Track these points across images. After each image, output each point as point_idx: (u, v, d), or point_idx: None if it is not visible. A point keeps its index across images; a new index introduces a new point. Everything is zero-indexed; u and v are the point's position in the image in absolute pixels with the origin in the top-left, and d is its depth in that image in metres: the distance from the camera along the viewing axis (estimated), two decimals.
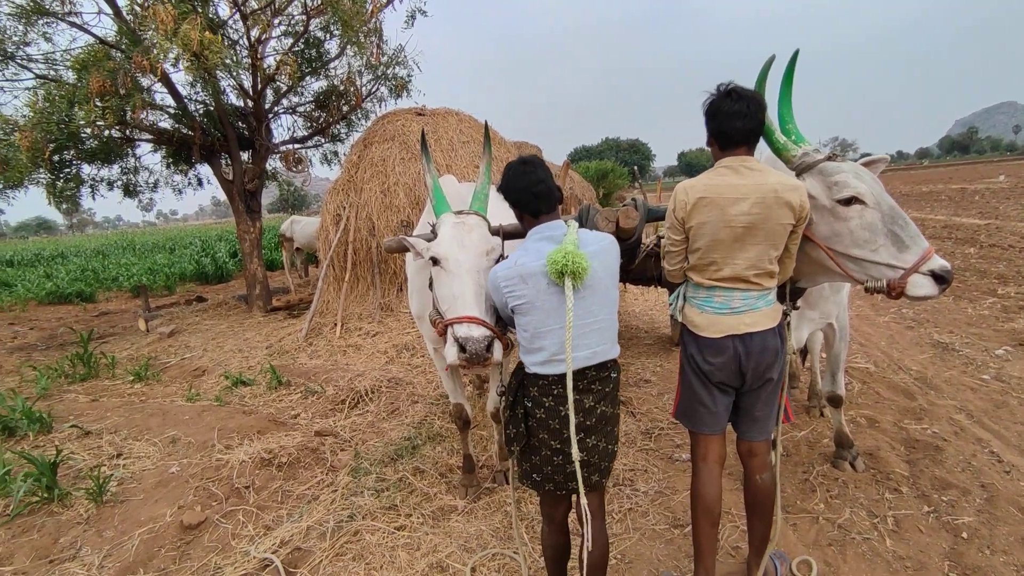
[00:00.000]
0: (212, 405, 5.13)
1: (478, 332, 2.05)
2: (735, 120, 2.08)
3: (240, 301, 9.87)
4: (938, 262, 2.05)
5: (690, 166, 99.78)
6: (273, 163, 10.10)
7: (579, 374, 1.93)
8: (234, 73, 7.28)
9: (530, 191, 2.01)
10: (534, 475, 2.05)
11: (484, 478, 3.50)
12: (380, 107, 9.56)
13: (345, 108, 9.48)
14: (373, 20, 7.88)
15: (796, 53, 2.37)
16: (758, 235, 2.06)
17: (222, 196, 9.15)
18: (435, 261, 2.27)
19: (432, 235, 2.46)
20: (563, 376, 1.89)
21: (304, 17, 8.06)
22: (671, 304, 2.40)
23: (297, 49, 8.41)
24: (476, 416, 4.31)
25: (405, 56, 9.27)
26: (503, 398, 2.14)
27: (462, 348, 2.04)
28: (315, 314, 7.25)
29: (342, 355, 6.38)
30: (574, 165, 21.06)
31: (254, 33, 8.07)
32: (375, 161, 7.63)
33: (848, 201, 2.14)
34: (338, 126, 9.86)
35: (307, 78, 9.03)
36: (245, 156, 9.24)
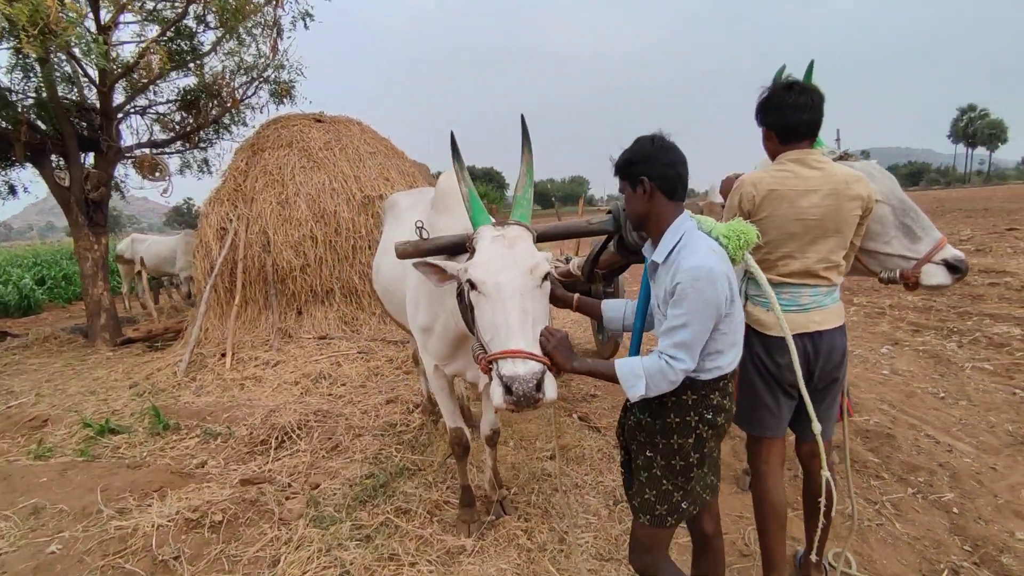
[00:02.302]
0: (77, 461, 4.01)
1: (524, 368, 1.67)
2: (801, 113, 2.05)
3: (76, 334, 8.04)
4: (951, 252, 2.15)
5: (542, 195, 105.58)
6: (125, 169, 8.54)
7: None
8: (91, 59, 5.98)
9: (676, 168, 1.75)
10: (683, 504, 1.80)
11: (479, 511, 3.10)
12: (260, 113, 8.61)
13: (217, 111, 8.36)
14: (274, 9, 7.08)
15: (812, 63, 2.44)
16: (829, 228, 2.05)
17: (2, 216, 7.45)
18: (472, 285, 1.88)
19: (470, 250, 2.05)
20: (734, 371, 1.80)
21: (181, 1, 6.98)
22: None
23: (165, 38, 7.24)
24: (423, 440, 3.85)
25: (287, 58, 8.49)
26: (684, 421, 1.75)
27: (508, 389, 1.66)
28: (195, 344, 6.12)
29: (239, 390, 5.42)
30: None
31: (105, 15, 6.82)
32: (270, 169, 6.77)
33: None
34: (207, 130, 8.64)
35: (173, 72, 7.79)
36: (87, 159, 7.67)
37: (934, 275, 2.15)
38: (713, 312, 1.63)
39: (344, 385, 5.34)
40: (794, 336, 2.05)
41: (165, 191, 8.20)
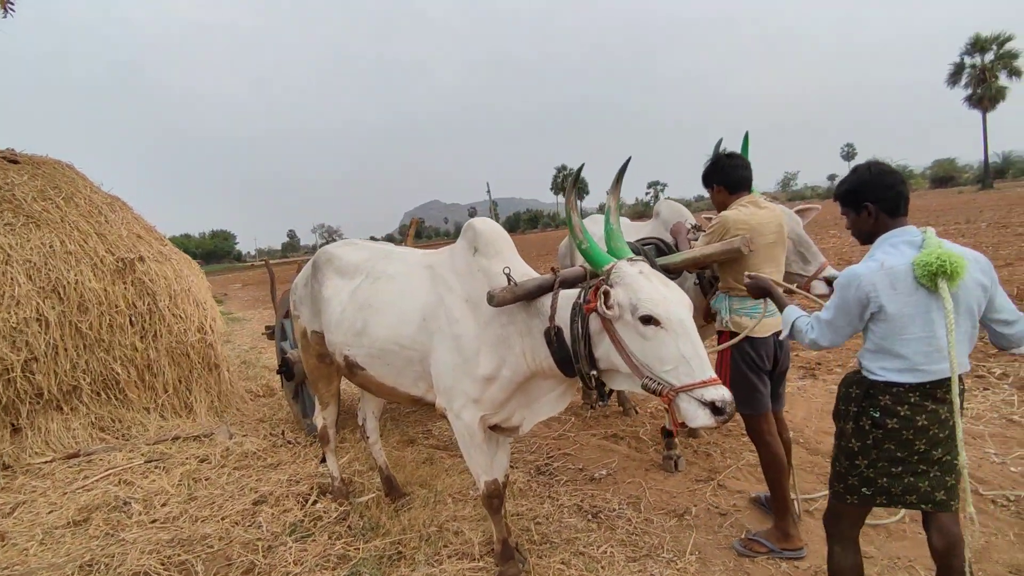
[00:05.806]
0: None
1: (727, 392, 1.95)
2: (741, 171, 2.88)
3: None
4: (830, 271, 3.12)
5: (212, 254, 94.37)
6: None
7: (943, 383, 1.90)
8: None
9: (896, 189, 1.98)
10: (863, 489, 2.01)
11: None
12: None
13: None
14: None
15: (747, 134, 3.21)
16: (777, 252, 2.85)
17: None
18: (646, 320, 2.01)
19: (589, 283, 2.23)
20: (919, 385, 1.90)
21: None
22: (721, 318, 2.91)
23: None
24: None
25: None
26: (846, 409, 2.05)
27: (717, 411, 1.91)
28: None
29: None
30: None
31: None
32: None
33: None
34: None
35: None
36: None
37: (818, 288, 3.07)
38: (847, 308, 1.96)
39: (165, 505, 3.98)
40: (770, 336, 2.80)
41: None
